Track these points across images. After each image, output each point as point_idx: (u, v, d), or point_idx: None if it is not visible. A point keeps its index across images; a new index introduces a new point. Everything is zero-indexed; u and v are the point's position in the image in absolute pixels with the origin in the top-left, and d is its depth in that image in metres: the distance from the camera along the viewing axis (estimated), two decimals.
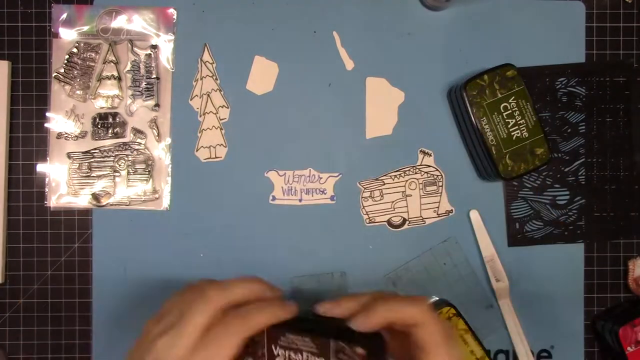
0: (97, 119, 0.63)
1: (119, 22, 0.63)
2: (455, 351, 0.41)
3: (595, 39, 0.65)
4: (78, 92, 0.63)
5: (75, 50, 0.63)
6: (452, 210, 0.64)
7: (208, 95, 0.63)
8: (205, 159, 0.63)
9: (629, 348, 0.60)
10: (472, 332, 0.60)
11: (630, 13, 0.65)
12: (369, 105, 0.64)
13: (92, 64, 0.63)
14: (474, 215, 0.63)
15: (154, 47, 0.63)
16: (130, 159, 0.63)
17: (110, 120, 0.63)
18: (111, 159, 0.63)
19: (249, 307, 0.42)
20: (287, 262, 0.63)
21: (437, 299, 0.63)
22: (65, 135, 0.63)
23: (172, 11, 0.63)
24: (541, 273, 0.64)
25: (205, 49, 0.63)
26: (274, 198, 0.64)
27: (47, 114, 0.63)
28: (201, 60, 0.63)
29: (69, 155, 0.63)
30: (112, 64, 0.63)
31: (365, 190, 0.64)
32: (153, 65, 0.63)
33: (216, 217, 0.63)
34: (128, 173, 0.63)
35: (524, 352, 0.62)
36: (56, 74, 0.63)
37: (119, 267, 0.63)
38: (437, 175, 0.64)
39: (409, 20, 0.64)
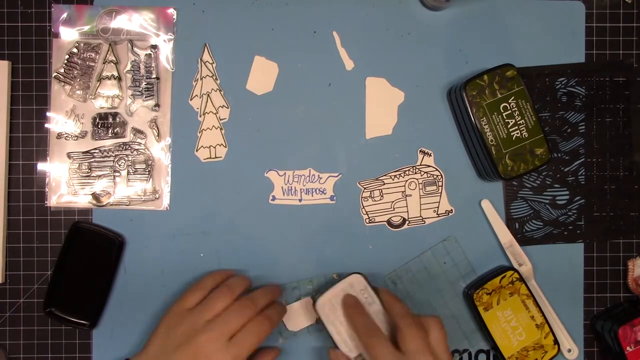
0: (97, 119, 0.63)
1: (119, 22, 0.63)
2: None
3: (595, 39, 0.65)
4: (78, 92, 0.63)
5: (75, 50, 0.63)
6: (451, 210, 0.64)
7: (208, 95, 0.63)
8: (205, 159, 0.63)
9: (628, 348, 0.61)
10: (534, 298, 0.61)
11: (630, 13, 0.65)
12: (369, 105, 0.64)
13: (92, 64, 0.63)
14: (486, 204, 0.63)
15: (154, 47, 0.63)
16: (130, 159, 0.63)
17: (110, 120, 0.63)
18: (111, 159, 0.63)
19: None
20: (287, 262, 0.63)
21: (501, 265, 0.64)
22: (65, 135, 0.63)
23: (172, 11, 0.63)
24: (541, 273, 0.64)
25: (205, 49, 0.63)
26: (274, 198, 0.64)
27: (47, 114, 0.63)
28: (201, 60, 0.63)
29: (69, 155, 0.63)
30: (112, 64, 0.63)
31: (365, 190, 0.64)
32: (153, 65, 0.63)
33: (216, 217, 0.63)
34: (128, 173, 0.63)
35: (557, 328, 0.63)
36: (56, 74, 0.63)
37: (119, 267, 0.63)
38: (437, 175, 0.64)
39: (409, 20, 0.64)
